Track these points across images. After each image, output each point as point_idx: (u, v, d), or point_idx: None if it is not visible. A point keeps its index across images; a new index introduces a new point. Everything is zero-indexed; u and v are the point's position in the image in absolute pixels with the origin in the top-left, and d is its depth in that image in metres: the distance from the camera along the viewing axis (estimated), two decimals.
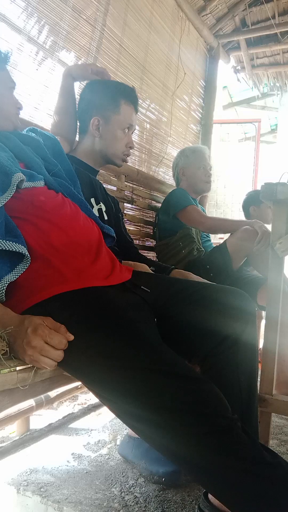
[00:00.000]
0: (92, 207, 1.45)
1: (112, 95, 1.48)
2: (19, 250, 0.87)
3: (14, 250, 0.86)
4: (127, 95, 1.50)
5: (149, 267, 1.38)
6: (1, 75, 1.08)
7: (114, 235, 1.23)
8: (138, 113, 1.57)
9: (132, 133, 1.55)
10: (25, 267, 0.89)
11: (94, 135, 1.50)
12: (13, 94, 1.12)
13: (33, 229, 0.96)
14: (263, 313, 1.91)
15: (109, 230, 1.21)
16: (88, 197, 1.42)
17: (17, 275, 0.88)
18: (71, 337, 0.78)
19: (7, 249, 0.86)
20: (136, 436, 1.21)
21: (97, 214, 1.45)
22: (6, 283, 0.86)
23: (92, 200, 1.46)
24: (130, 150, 1.56)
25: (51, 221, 0.99)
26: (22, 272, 0.89)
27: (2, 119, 1.10)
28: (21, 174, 0.97)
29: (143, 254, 2.15)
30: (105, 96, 1.49)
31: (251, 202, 2.63)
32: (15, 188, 0.94)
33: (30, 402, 1.50)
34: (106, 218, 1.50)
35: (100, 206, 1.49)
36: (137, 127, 1.90)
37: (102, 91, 1.50)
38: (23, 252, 0.87)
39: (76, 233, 1.02)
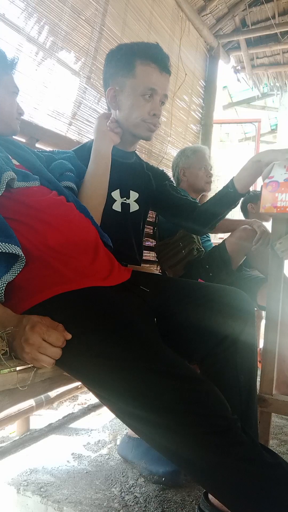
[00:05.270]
0: (114, 201, 1.36)
1: (126, 58, 1.26)
2: (12, 251, 0.86)
3: (7, 251, 0.86)
4: (144, 54, 1.25)
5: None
6: (5, 80, 1.08)
7: (111, 244, 1.14)
8: (169, 74, 1.29)
9: (162, 100, 1.30)
10: (21, 267, 0.89)
11: (113, 108, 1.32)
12: (16, 100, 1.12)
13: (28, 230, 0.96)
14: (263, 313, 1.91)
15: (107, 240, 1.14)
16: (110, 191, 1.33)
17: (14, 275, 0.88)
18: (69, 336, 0.78)
19: (0, 250, 0.85)
20: (136, 436, 1.21)
21: (119, 209, 1.37)
22: (5, 283, 0.86)
23: (116, 193, 1.36)
24: (158, 120, 1.31)
25: (46, 221, 0.99)
26: (18, 271, 0.89)
27: (2, 124, 1.10)
28: (12, 173, 0.97)
29: (143, 254, 2.15)
30: (119, 60, 1.28)
31: (249, 200, 2.65)
32: (4, 186, 0.94)
33: (30, 402, 1.50)
34: (135, 208, 1.41)
35: (125, 200, 1.39)
36: None
37: (116, 56, 1.30)
38: (17, 252, 0.87)
39: (71, 233, 1.01)
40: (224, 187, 1.31)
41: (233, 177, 1.29)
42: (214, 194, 1.39)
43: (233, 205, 1.34)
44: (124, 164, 1.39)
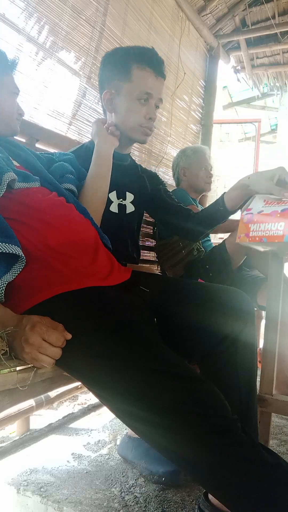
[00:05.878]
0: (111, 202, 1.38)
1: (122, 62, 1.29)
2: (12, 251, 0.86)
3: (7, 251, 0.86)
4: (140, 58, 1.27)
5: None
6: (5, 80, 1.07)
7: (110, 245, 1.14)
8: (164, 78, 1.32)
9: (156, 104, 1.33)
10: (22, 267, 0.89)
11: (109, 111, 1.34)
12: (16, 100, 1.12)
13: (28, 230, 0.96)
14: (263, 313, 1.91)
15: (106, 241, 1.14)
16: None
17: (14, 275, 0.88)
18: (69, 336, 0.78)
19: (1, 251, 0.85)
20: (136, 436, 1.21)
21: (116, 210, 1.39)
22: (5, 283, 0.86)
23: (112, 194, 1.38)
24: (153, 123, 1.34)
25: (46, 221, 0.99)
26: (19, 271, 0.89)
27: (2, 124, 1.10)
28: (13, 174, 0.97)
29: (143, 254, 2.15)
30: (116, 64, 1.30)
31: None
32: (5, 187, 0.94)
33: (30, 402, 1.50)
34: (131, 210, 1.43)
35: (121, 201, 1.41)
36: None
37: (113, 60, 1.32)
38: (17, 252, 0.87)
39: (71, 233, 1.01)
40: (215, 203, 1.35)
41: (224, 194, 1.32)
42: (206, 207, 1.43)
43: (224, 221, 1.39)
44: (120, 166, 1.40)
